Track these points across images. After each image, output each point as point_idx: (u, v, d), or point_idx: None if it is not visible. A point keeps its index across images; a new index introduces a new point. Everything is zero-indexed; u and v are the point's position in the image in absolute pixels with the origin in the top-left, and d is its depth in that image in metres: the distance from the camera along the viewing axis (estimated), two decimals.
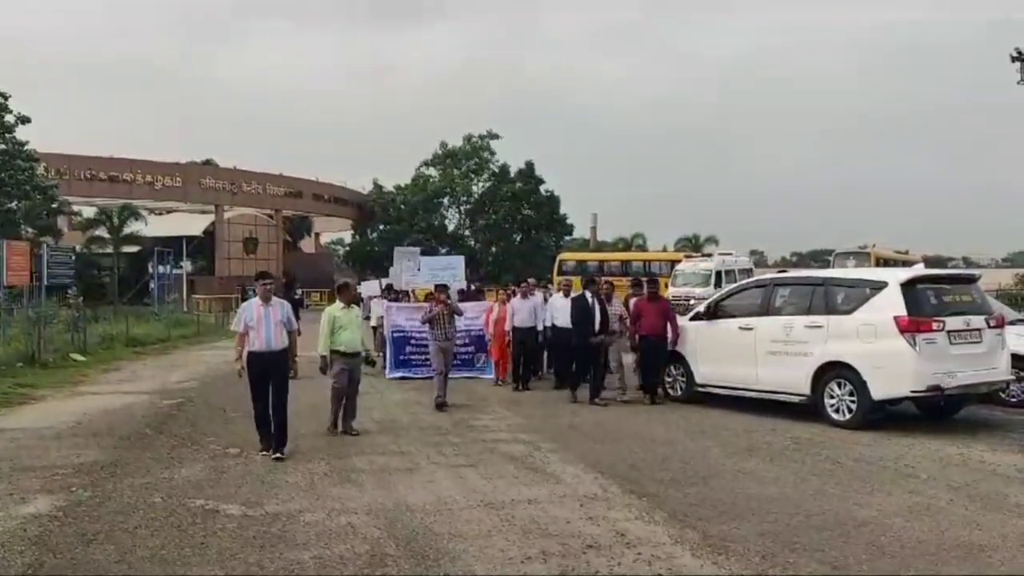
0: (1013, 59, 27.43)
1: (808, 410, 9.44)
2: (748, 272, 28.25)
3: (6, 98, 27.45)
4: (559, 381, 12.64)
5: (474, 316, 14.05)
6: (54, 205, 31.69)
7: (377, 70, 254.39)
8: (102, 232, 39.46)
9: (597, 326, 11.18)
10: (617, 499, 6.25)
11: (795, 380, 9.51)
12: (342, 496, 6.40)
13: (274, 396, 7.92)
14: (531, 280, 14.53)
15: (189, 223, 45.68)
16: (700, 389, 10.85)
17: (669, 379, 11.33)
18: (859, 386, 8.94)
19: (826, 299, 9.61)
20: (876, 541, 5.22)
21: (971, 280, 10.07)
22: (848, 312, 9.30)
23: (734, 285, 12.25)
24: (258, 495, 6.43)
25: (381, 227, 55.02)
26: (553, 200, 55.53)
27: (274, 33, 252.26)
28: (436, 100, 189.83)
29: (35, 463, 7.60)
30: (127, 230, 39.16)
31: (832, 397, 9.21)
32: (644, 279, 12.61)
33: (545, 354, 13.80)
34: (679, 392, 11.15)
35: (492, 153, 56.21)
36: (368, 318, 16.38)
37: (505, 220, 53.83)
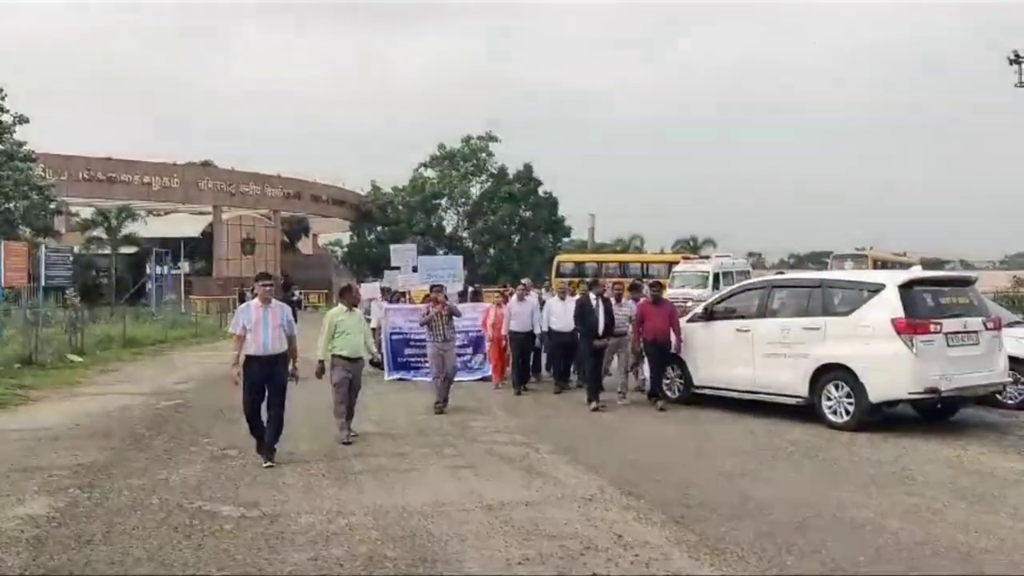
0: (1011, 62, 27.51)
1: (805, 412, 9.43)
2: (746, 274, 28.33)
3: (3, 97, 27.41)
4: (559, 385, 12.57)
5: (473, 317, 13.96)
6: (52, 206, 31.65)
7: (376, 71, 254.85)
8: (100, 233, 39.37)
9: (601, 329, 11.03)
10: (615, 501, 6.25)
11: (792, 382, 9.51)
12: (340, 497, 6.40)
13: (270, 401, 7.66)
14: (526, 281, 14.25)
15: (187, 224, 45.63)
16: (697, 391, 10.85)
17: (666, 380, 11.31)
18: (856, 388, 8.94)
19: (823, 301, 9.62)
20: (873, 543, 5.23)
21: (968, 282, 10.11)
22: (846, 314, 9.31)
23: (732, 287, 12.25)
24: (256, 496, 6.43)
25: (379, 228, 54.97)
26: (551, 202, 55.55)
27: (273, 33, 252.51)
28: (435, 101, 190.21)
29: (32, 464, 7.59)
30: (125, 231, 39.07)
31: (829, 399, 9.21)
32: (642, 280, 12.52)
33: (544, 356, 13.74)
34: (676, 394, 11.14)
35: (490, 155, 56.22)
36: (368, 320, 16.31)
37: (503, 222, 53.80)
